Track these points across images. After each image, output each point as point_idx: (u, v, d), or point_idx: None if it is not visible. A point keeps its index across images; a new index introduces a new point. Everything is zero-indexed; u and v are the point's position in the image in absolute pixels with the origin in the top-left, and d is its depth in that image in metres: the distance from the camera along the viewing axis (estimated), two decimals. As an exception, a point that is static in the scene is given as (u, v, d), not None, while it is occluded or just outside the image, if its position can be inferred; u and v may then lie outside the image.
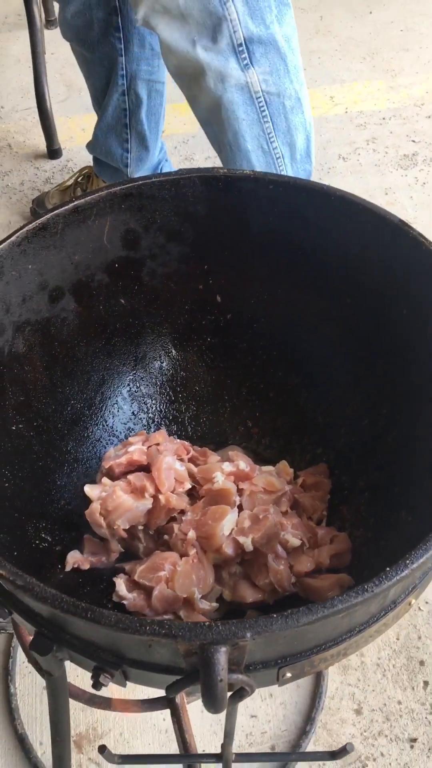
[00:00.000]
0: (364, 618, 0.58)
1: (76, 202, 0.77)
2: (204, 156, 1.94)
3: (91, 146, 1.66)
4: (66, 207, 0.76)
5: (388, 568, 0.52)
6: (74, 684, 0.82)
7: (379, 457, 0.82)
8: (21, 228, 0.74)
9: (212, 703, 0.51)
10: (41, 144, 1.96)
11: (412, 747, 1.10)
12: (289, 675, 0.59)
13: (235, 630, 0.50)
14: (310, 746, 1.11)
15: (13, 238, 0.74)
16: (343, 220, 0.77)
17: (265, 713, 1.14)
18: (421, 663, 1.17)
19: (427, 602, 1.24)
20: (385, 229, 0.74)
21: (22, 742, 1.11)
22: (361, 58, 2.22)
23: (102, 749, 0.70)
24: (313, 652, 0.58)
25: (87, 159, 1.95)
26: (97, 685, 0.59)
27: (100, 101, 1.58)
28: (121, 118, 1.54)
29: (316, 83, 2.14)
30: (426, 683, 1.15)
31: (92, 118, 2.06)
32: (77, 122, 2.06)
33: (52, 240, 0.77)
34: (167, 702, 0.84)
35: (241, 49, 1.10)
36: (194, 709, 1.07)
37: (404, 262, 0.74)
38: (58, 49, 2.25)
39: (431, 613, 1.22)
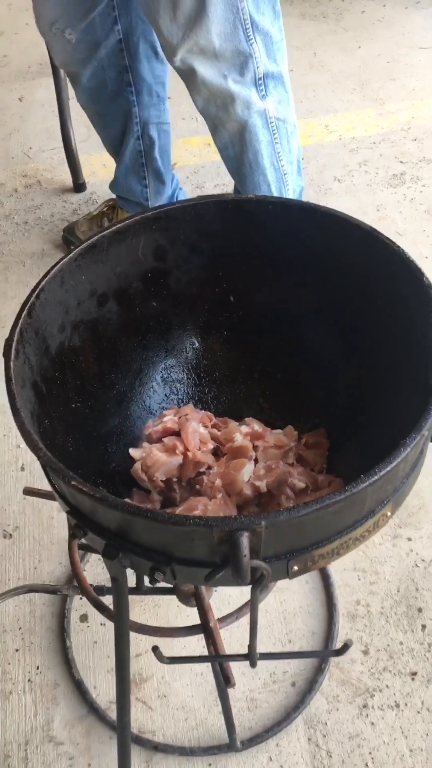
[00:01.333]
0: (350, 520, 0.77)
1: (117, 226, 0.98)
2: (213, 183, 2.17)
3: (113, 187, 1.89)
4: (110, 230, 0.97)
5: (362, 475, 0.72)
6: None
7: (366, 421, 1.02)
8: (76, 247, 0.96)
9: (240, 576, 0.71)
10: (67, 179, 2.20)
11: (413, 679, 1.28)
12: (296, 568, 0.79)
13: (254, 519, 0.70)
14: (325, 682, 1.29)
15: (71, 255, 0.95)
16: (328, 230, 0.97)
17: (285, 656, 1.32)
18: (419, 610, 1.36)
19: (423, 560, 1.42)
20: (360, 234, 0.94)
21: (79, 687, 1.31)
22: (352, 89, 2.44)
23: (155, 648, 0.89)
24: (312, 548, 0.77)
25: (108, 191, 2.18)
26: (152, 581, 0.79)
27: (117, 148, 1.80)
28: (138, 160, 1.77)
29: (312, 113, 2.37)
30: (424, 626, 1.34)
31: (112, 154, 2.30)
32: (98, 159, 2.30)
33: (100, 256, 0.98)
34: (202, 627, 1.04)
35: (260, 82, 1.36)
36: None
37: (378, 260, 0.94)
38: (78, 94, 2.50)
39: (427, 568, 1.41)
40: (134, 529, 0.77)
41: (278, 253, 1.04)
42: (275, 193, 1.55)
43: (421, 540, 1.45)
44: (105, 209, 1.98)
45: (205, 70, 1.36)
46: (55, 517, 1.53)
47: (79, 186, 2.17)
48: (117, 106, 1.71)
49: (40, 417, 0.90)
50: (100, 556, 1.44)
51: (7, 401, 0.80)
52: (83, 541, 0.95)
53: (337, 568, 1.42)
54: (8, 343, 0.86)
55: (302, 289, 1.06)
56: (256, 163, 1.47)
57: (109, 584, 1.29)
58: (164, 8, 1.31)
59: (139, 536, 0.77)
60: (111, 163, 2.28)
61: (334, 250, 0.99)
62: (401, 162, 2.16)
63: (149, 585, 0.98)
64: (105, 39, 1.60)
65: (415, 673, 1.29)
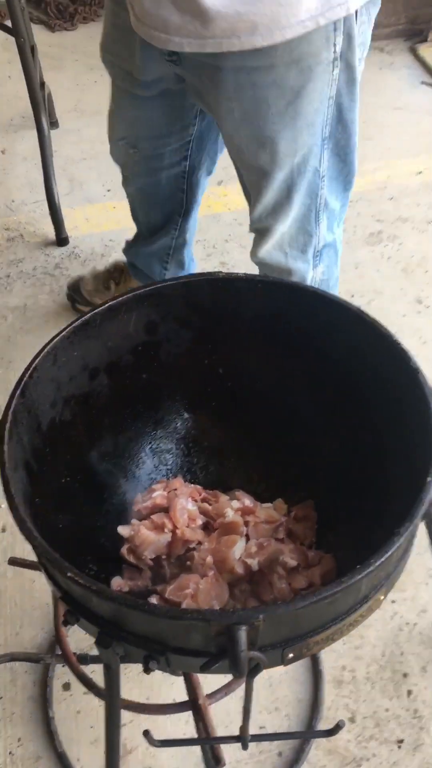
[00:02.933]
0: (344, 607, 0.78)
1: (110, 303, 0.99)
2: (194, 239, 2.19)
3: (131, 255, 1.85)
4: (103, 307, 0.98)
5: (358, 566, 0.73)
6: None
7: (353, 493, 1.03)
8: (69, 324, 0.96)
9: (237, 669, 0.71)
10: (50, 233, 2.21)
11: (399, 747, 1.28)
12: (291, 656, 0.79)
13: (252, 613, 0.70)
14: (312, 751, 1.28)
15: (63, 333, 0.96)
16: (316, 309, 0.99)
17: (271, 725, 1.31)
18: (405, 675, 1.36)
19: (407, 623, 1.43)
20: (347, 314, 0.96)
21: (61, 760, 1.28)
22: (329, 147, 2.51)
23: (146, 733, 0.88)
24: (307, 636, 0.78)
25: (91, 246, 2.20)
26: (147, 670, 0.79)
27: (149, 234, 1.75)
28: (165, 250, 1.75)
29: (291, 171, 2.42)
30: (409, 692, 1.34)
31: (93, 209, 2.33)
32: (81, 213, 2.32)
33: (92, 332, 0.99)
34: (191, 705, 1.03)
35: (317, 254, 1.35)
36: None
37: (365, 340, 0.96)
38: (60, 148, 2.53)
39: (411, 632, 1.41)
40: (129, 619, 0.76)
41: (267, 329, 1.06)
42: None
43: (405, 602, 1.45)
44: (112, 270, 1.97)
45: (268, 249, 1.33)
46: (36, 581, 1.50)
47: (61, 240, 2.18)
48: (162, 210, 1.68)
49: (30, 496, 0.89)
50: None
51: None
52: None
53: (322, 633, 1.41)
54: (2, 425, 0.86)
55: (290, 363, 1.07)
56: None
57: (94, 651, 1.27)
58: (248, 195, 1.27)
59: (133, 626, 0.77)
60: (93, 217, 2.31)
61: (323, 329, 1.01)
62: (378, 221, 2.22)
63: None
64: (169, 169, 1.54)
65: (401, 741, 1.28)
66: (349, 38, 1.07)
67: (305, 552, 0.99)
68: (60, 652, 1.14)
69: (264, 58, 1.05)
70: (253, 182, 1.25)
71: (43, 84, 2.28)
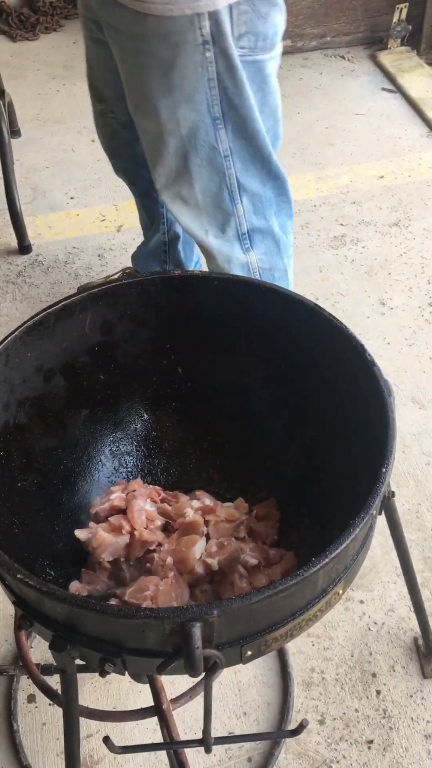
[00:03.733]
0: (302, 602, 0.77)
1: (64, 303, 0.98)
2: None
3: (134, 261, 1.90)
4: (57, 306, 0.97)
5: (313, 559, 0.72)
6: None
7: (316, 491, 1.03)
8: (22, 324, 0.95)
9: (192, 667, 0.69)
10: (12, 241, 2.19)
11: (369, 748, 1.27)
12: (249, 653, 0.78)
13: (206, 609, 0.69)
14: (282, 755, 1.26)
15: (16, 333, 0.94)
16: (272, 305, 0.99)
17: (240, 730, 1.29)
18: (373, 675, 1.35)
19: (375, 623, 1.42)
20: (303, 310, 0.96)
21: (26, 773, 1.25)
22: (292, 153, 2.52)
23: (106, 739, 0.86)
24: (266, 632, 0.76)
25: (54, 253, 2.18)
26: (102, 673, 0.77)
27: (147, 227, 1.80)
28: (161, 247, 1.77)
29: (254, 177, 2.43)
30: (378, 692, 1.33)
31: (56, 217, 2.31)
32: (44, 221, 2.30)
33: (46, 332, 0.98)
34: (155, 710, 1.01)
35: (244, 237, 1.37)
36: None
37: (321, 335, 0.96)
38: (22, 156, 2.52)
39: (379, 632, 1.41)
40: (83, 621, 0.75)
41: (225, 327, 1.05)
42: None
43: (373, 602, 1.45)
44: (123, 276, 1.97)
45: (186, 222, 1.37)
46: (1, 592, 1.47)
47: (24, 248, 2.16)
48: (148, 204, 1.72)
49: (-16, 500, 0.87)
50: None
51: None
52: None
53: (290, 635, 1.40)
54: None
55: (249, 361, 1.07)
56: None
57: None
58: (150, 156, 1.33)
59: (88, 627, 0.75)
60: (56, 225, 2.29)
61: (280, 325, 1.00)
62: (341, 224, 2.23)
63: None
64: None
65: (371, 742, 1.27)
66: (218, 26, 1.13)
67: (266, 550, 0.99)
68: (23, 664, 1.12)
69: (141, 25, 1.15)
70: (149, 143, 1.32)
71: (3, 92, 2.27)
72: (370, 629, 1.41)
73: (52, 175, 2.45)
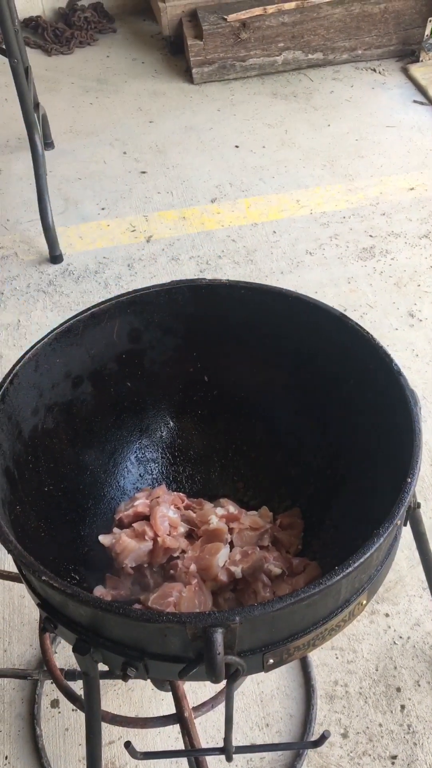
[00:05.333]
0: (325, 611, 0.77)
1: (92, 310, 0.99)
2: (188, 256, 2.21)
3: None
4: (86, 314, 0.98)
5: (336, 567, 0.72)
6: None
7: (340, 500, 1.02)
8: (52, 331, 0.96)
9: (214, 673, 0.70)
10: (44, 251, 2.23)
11: (393, 764, 1.25)
12: (271, 661, 0.77)
13: (228, 615, 0.69)
14: (304, 766, 1.25)
15: (45, 339, 0.96)
16: (298, 314, 0.99)
17: (262, 741, 1.28)
18: (398, 689, 1.33)
19: (401, 637, 1.40)
20: (329, 319, 0.96)
21: (48, 778, 1.25)
22: (322, 165, 2.53)
23: (127, 744, 0.86)
24: (288, 641, 0.76)
25: (85, 263, 2.21)
26: (125, 677, 0.77)
27: None
28: None
29: (284, 189, 2.44)
30: (403, 707, 1.31)
31: (87, 227, 2.34)
32: (75, 231, 2.34)
33: (75, 339, 0.99)
34: (177, 718, 1.01)
35: None
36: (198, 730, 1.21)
37: (347, 344, 0.96)
38: (55, 168, 2.56)
39: (404, 646, 1.39)
40: (106, 624, 0.75)
41: (251, 335, 1.05)
42: None
43: (398, 616, 1.43)
44: None
45: None
46: (26, 597, 1.49)
47: (55, 257, 2.19)
48: None
49: (11, 503, 0.88)
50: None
51: (-22, 491, 0.79)
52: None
53: (314, 647, 1.39)
54: (-20, 430, 0.86)
55: (275, 370, 1.07)
56: None
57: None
58: None
59: (111, 631, 0.76)
60: (87, 235, 2.32)
61: (306, 334, 1.00)
62: (371, 236, 2.23)
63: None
64: None
65: (395, 757, 1.26)
66: None
67: (290, 560, 0.98)
68: (47, 669, 1.13)
69: None
70: None
71: (37, 105, 2.31)
72: (395, 643, 1.39)
73: (83, 187, 2.48)
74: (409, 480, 0.79)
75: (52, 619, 0.80)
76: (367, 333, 0.94)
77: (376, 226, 2.27)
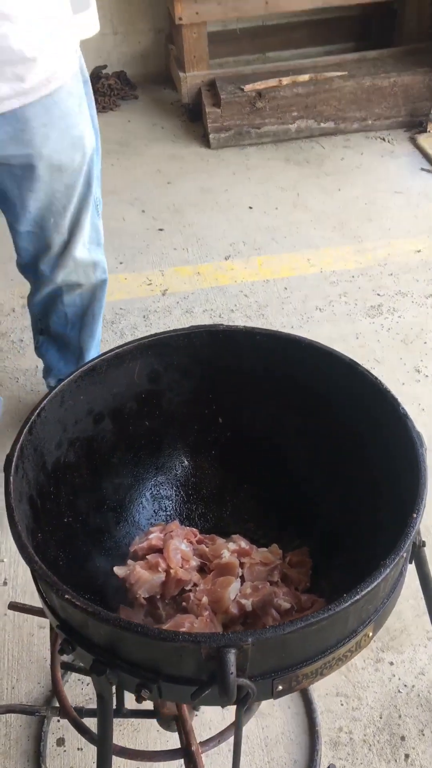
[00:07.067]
0: (333, 639, 0.80)
1: (116, 351, 1.05)
2: (202, 309, 2.29)
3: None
4: (110, 354, 1.04)
5: (344, 595, 0.75)
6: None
7: (348, 541, 1.06)
8: (77, 369, 1.02)
9: (226, 693, 0.73)
10: None
11: None
12: (280, 687, 0.80)
13: (240, 636, 0.73)
14: None
15: (71, 377, 1.02)
16: (310, 359, 1.05)
17: (266, 787, 1.29)
18: (402, 738, 1.34)
19: (405, 685, 1.41)
20: (340, 365, 1.02)
21: None
22: (333, 227, 2.63)
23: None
24: (297, 667, 0.79)
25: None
26: (139, 699, 0.80)
27: None
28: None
29: (295, 248, 2.54)
30: (407, 756, 1.31)
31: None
32: (94, 283, 2.42)
33: (98, 378, 1.05)
34: (183, 752, 1.02)
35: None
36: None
37: (357, 389, 1.02)
38: None
39: (409, 694, 1.40)
40: (123, 645, 0.79)
41: (265, 379, 1.11)
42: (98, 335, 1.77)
43: (403, 664, 1.44)
44: None
45: (77, 250, 1.56)
46: (35, 635, 1.51)
47: None
48: None
49: (34, 531, 0.93)
50: (80, 677, 1.43)
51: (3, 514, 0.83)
52: (66, 658, 0.95)
53: (319, 693, 1.40)
54: (9, 458, 0.91)
55: (287, 412, 1.12)
56: (99, 312, 1.74)
57: (89, 706, 1.27)
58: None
59: (127, 652, 0.79)
60: (113, 283, 2.41)
61: (317, 379, 1.06)
62: (378, 294, 2.31)
63: (129, 709, 0.98)
64: None
65: (399, 808, 1.25)
66: None
67: (299, 596, 1.01)
68: (57, 704, 1.15)
69: None
70: None
71: (63, 164, 2.43)
72: (399, 691, 1.40)
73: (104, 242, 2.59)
74: (414, 515, 0.83)
75: (70, 641, 0.83)
76: (376, 378, 0.99)
77: (383, 285, 2.35)
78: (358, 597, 0.76)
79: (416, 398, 1.98)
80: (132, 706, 0.93)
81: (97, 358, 1.05)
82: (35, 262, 1.56)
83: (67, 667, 1.27)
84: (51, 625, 1.18)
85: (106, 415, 1.09)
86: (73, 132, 1.36)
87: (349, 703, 1.39)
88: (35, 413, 0.96)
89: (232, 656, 0.72)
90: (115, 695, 1.08)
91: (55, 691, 1.12)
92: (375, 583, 0.77)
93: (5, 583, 1.60)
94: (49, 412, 0.98)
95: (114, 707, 1.07)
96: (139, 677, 0.79)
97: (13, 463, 0.90)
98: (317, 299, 2.31)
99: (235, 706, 0.78)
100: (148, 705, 0.89)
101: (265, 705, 1.37)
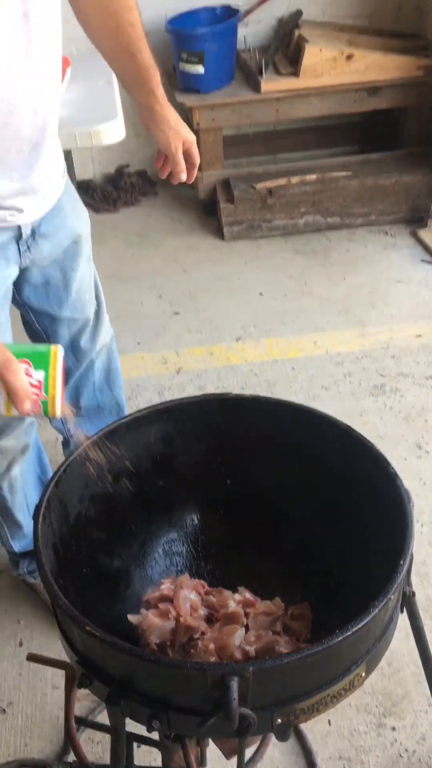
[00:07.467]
0: (328, 675, 0.87)
1: (134, 416, 1.17)
2: (214, 386, 2.42)
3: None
4: (129, 418, 1.16)
5: (336, 631, 0.84)
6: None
7: (345, 595, 1.14)
8: (100, 431, 1.14)
9: (229, 718, 0.80)
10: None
11: None
12: (279, 721, 0.87)
13: (242, 665, 0.81)
14: None
15: (93, 438, 1.13)
16: (310, 424, 1.16)
17: None
18: (405, 803, 1.36)
19: (407, 750, 1.44)
20: (336, 430, 1.13)
21: None
22: (338, 312, 2.79)
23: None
24: (295, 701, 0.86)
25: (120, 390, 2.42)
26: (149, 729, 0.87)
27: None
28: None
29: (302, 331, 2.69)
30: None
31: (123, 359, 2.57)
32: (112, 362, 2.57)
33: (118, 439, 1.16)
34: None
35: None
36: None
37: (352, 451, 1.12)
38: None
39: (410, 759, 1.43)
40: (136, 676, 0.87)
41: (270, 443, 1.22)
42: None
43: (404, 729, 1.47)
44: None
45: (105, 312, 1.68)
46: (48, 695, 1.56)
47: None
48: None
49: (56, 575, 1.02)
50: (91, 736, 1.48)
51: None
52: (79, 712, 1.02)
53: (322, 756, 1.43)
54: (38, 507, 1.01)
55: (290, 474, 1.22)
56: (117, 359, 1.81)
57: (98, 762, 1.32)
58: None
59: (140, 684, 0.87)
60: (123, 366, 2.55)
61: (316, 443, 1.17)
62: (381, 375, 2.43)
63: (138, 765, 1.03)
64: None
65: None
66: None
67: (300, 645, 1.09)
68: (68, 760, 1.20)
69: None
70: None
71: (87, 253, 2.63)
72: (401, 756, 1.43)
73: (123, 324, 2.75)
74: (402, 563, 0.92)
75: (88, 675, 0.91)
76: (369, 442, 1.10)
77: (386, 366, 2.48)
78: (349, 633, 0.84)
79: (418, 473, 2.07)
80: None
81: (117, 421, 1.16)
82: (76, 344, 1.63)
83: (81, 723, 1.32)
84: (66, 677, 1.25)
85: (123, 474, 1.19)
86: (80, 204, 1.52)
87: (352, 766, 1.42)
88: (62, 469, 1.07)
89: (235, 683, 0.80)
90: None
91: (70, 742, 1.18)
92: (365, 622, 0.85)
93: (21, 644, 1.67)
94: (74, 468, 1.09)
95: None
96: (150, 707, 0.86)
97: (41, 512, 1.00)
98: (323, 379, 2.43)
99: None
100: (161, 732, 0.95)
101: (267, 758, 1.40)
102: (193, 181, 1.58)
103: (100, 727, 1.32)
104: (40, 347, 0.99)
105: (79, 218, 1.49)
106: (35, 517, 0.99)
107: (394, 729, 1.48)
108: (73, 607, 0.91)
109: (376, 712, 1.51)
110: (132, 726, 0.94)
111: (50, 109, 1.22)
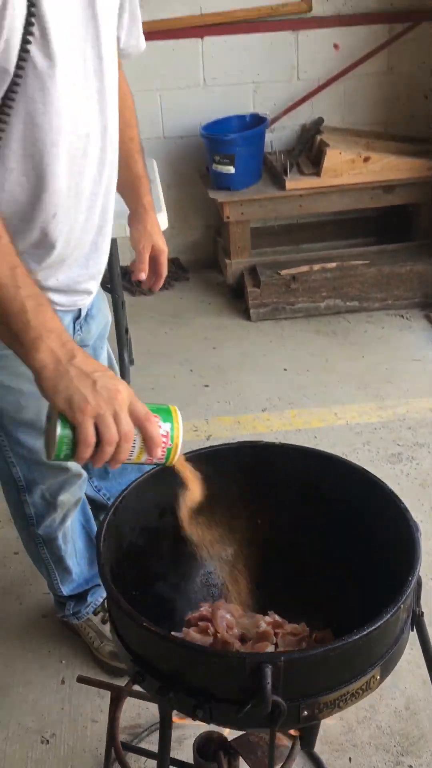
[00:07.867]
0: (348, 674, 1.02)
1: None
2: (241, 453, 2.59)
3: None
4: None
5: (354, 630, 0.99)
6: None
7: (363, 622, 1.28)
8: (151, 469, 1.32)
9: (263, 703, 0.94)
10: (120, 443, 2.64)
11: None
12: (305, 713, 1.01)
13: (275, 654, 0.96)
14: None
15: (146, 474, 1.31)
16: (331, 468, 1.34)
17: None
18: None
19: (424, 787, 1.53)
20: (355, 473, 1.30)
21: None
22: (357, 387, 2.99)
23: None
24: (318, 695, 1.01)
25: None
26: (194, 717, 1.02)
27: None
28: None
29: (324, 404, 2.88)
30: None
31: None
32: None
33: (165, 479, 1.34)
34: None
35: None
36: None
37: (366, 490, 1.29)
38: (134, 380, 3.07)
39: (428, 795, 1.52)
40: (183, 669, 1.02)
41: (296, 486, 1.39)
42: None
43: (421, 767, 1.57)
44: None
45: None
46: (88, 728, 1.67)
47: (129, 449, 2.61)
48: None
49: (112, 592, 1.18)
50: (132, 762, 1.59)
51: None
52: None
53: (344, 790, 1.53)
54: (99, 530, 1.19)
55: (313, 512, 1.38)
56: None
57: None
58: None
59: (186, 677, 1.02)
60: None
61: (338, 485, 1.34)
62: (398, 444, 2.60)
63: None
64: None
65: None
66: None
67: (323, 662, 1.22)
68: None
69: None
70: None
71: (127, 330, 2.88)
72: (418, 791, 1.52)
73: (156, 394, 2.97)
74: (410, 579, 1.08)
75: (141, 672, 1.06)
76: (382, 482, 1.27)
77: (403, 437, 2.65)
78: (365, 632, 0.99)
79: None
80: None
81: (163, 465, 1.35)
82: None
83: (125, 748, 1.45)
84: (111, 698, 1.39)
85: (168, 510, 1.36)
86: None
87: (371, 799, 1.51)
88: (119, 499, 1.25)
89: (269, 670, 0.95)
90: None
91: (117, 759, 1.30)
92: (379, 624, 1.00)
93: (63, 682, 1.79)
94: (128, 500, 1.27)
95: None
96: (195, 698, 1.01)
97: (103, 534, 1.18)
98: (343, 446, 2.61)
99: None
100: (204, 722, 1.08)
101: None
102: (157, 290, 1.71)
103: (140, 752, 1.44)
104: (164, 406, 1.22)
105: (105, 301, 1.68)
106: (97, 537, 1.17)
107: (410, 767, 1.57)
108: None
109: (394, 750, 1.61)
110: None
111: (112, 198, 1.41)
